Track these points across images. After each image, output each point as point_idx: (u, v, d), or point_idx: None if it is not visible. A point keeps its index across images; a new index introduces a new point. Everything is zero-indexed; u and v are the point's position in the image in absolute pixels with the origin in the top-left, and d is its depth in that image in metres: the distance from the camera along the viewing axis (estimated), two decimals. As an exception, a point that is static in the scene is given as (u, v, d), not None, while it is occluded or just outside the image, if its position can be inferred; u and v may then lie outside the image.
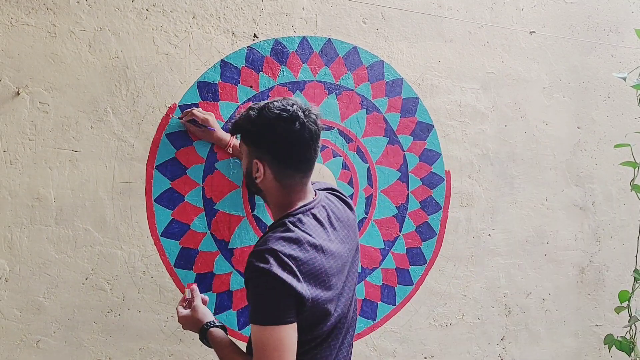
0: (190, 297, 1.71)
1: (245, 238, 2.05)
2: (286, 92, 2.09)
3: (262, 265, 1.29)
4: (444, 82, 2.32)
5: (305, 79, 2.12)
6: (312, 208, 1.47)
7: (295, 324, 1.31)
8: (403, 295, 2.25)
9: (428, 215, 2.28)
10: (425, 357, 2.29)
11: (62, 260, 1.86)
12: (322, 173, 2.14)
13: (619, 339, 2.29)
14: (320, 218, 1.47)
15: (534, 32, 2.47)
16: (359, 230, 2.16)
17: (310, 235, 1.39)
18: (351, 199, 2.16)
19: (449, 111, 2.32)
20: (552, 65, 2.51)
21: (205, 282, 2.00)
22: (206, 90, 2.01)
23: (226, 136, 1.95)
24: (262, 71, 2.07)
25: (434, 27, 2.30)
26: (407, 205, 2.25)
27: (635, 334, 2.32)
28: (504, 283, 2.42)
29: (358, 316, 1.55)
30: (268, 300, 1.29)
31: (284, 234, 1.36)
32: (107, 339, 1.91)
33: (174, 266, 1.97)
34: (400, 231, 2.24)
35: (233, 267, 2.03)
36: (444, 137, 2.31)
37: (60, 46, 1.87)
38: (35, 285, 1.84)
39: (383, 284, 2.22)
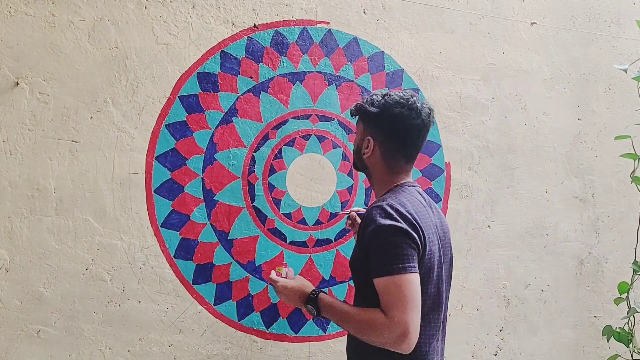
0: (284, 275, 1.72)
1: (244, 229, 2.05)
2: (286, 83, 2.09)
3: (387, 221, 1.42)
4: (444, 73, 2.31)
5: (306, 70, 2.12)
6: (417, 187, 1.62)
7: (418, 275, 1.41)
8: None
9: (428, 206, 2.28)
10: (424, 348, 2.29)
11: (62, 251, 1.87)
12: (322, 164, 2.14)
13: (618, 330, 2.30)
14: (423, 196, 1.61)
15: (535, 23, 2.46)
16: (358, 222, 2.17)
17: (417, 200, 1.54)
18: (351, 190, 2.16)
19: (449, 102, 2.31)
20: (553, 56, 2.50)
21: (205, 272, 2.01)
22: (206, 81, 2.00)
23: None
24: (262, 62, 2.06)
25: (435, 18, 2.29)
26: (407, 196, 2.25)
27: (634, 325, 2.33)
28: (503, 274, 2.42)
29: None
30: (397, 253, 1.40)
31: (397, 196, 1.51)
32: (107, 329, 1.91)
33: (174, 257, 1.98)
34: (399, 222, 2.24)
35: (233, 257, 2.04)
36: (444, 128, 2.31)
37: (59, 36, 1.86)
38: (36, 276, 1.85)
39: (382, 275, 2.22)
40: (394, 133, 1.57)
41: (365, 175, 1.70)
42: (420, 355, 1.49)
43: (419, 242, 1.43)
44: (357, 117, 1.67)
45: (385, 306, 1.38)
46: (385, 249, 1.41)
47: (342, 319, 1.51)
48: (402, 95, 1.57)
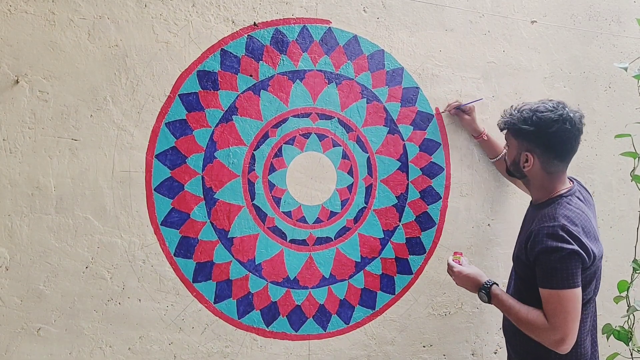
0: (461, 263, 2.01)
1: (244, 227, 2.05)
2: (286, 81, 2.09)
3: (557, 244, 1.61)
4: (444, 72, 2.31)
5: (305, 68, 2.12)
6: (576, 192, 1.78)
7: (580, 289, 1.63)
8: (402, 284, 2.26)
9: (428, 205, 2.29)
10: (424, 346, 2.30)
11: (63, 249, 1.87)
12: (322, 163, 2.14)
13: (617, 328, 2.30)
14: (582, 199, 1.79)
15: (535, 21, 2.46)
16: (358, 220, 2.17)
17: (581, 210, 1.71)
18: (351, 189, 2.16)
19: (449, 101, 2.31)
20: (553, 54, 2.50)
21: (205, 270, 2.01)
22: (206, 79, 2.00)
23: (480, 127, 2.27)
24: (262, 60, 2.06)
25: (435, 16, 2.29)
26: (407, 195, 2.25)
27: (634, 323, 2.33)
28: (503, 272, 2.42)
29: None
30: (564, 269, 1.60)
31: (566, 212, 1.68)
32: (107, 327, 1.92)
33: (174, 255, 1.98)
34: (399, 221, 2.24)
35: (233, 256, 2.04)
36: (445, 126, 2.31)
37: (59, 34, 1.86)
38: (36, 274, 1.85)
39: (382, 273, 2.23)
40: (553, 147, 1.72)
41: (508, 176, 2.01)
42: (581, 350, 1.75)
43: (585, 257, 1.62)
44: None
45: (548, 313, 1.63)
46: (553, 266, 1.61)
47: (508, 311, 1.76)
48: (552, 108, 1.70)
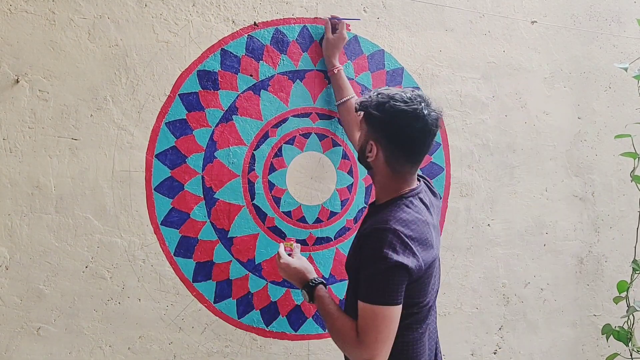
0: (291, 251, 1.81)
1: (244, 227, 2.05)
2: (286, 81, 2.09)
3: (384, 251, 1.40)
4: (444, 72, 2.31)
5: (306, 68, 2.12)
6: (420, 193, 1.59)
7: (400, 306, 1.44)
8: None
9: (428, 205, 2.28)
10: (423, 346, 2.30)
11: (62, 249, 1.87)
12: (322, 162, 2.14)
13: (617, 329, 2.30)
14: (426, 201, 1.60)
15: (536, 21, 2.46)
16: (358, 220, 2.17)
17: (420, 215, 1.52)
18: (351, 189, 2.16)
19: (449, 101, 2.31)
20: (553, 55, 2.50)
21: (204, 270, 2.01)
22: (206, 79, 2.00)
23: (337, 63, 2.06)
24: (262, 60, 2.06)
25: (435, 16, 2.29)
26: (407, 195, 2.25)
27: (633, 324, 2.33)
28: (502, 273, 2.43)
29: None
30: (385, 283, 1.41)
31: (402, 215, 1.48)
32: (107, 327, 1.92)
33: (174, 255, 1.98)
34: (399, 221, 2.24)
35: (233, 255, 2.04)
36: (444, 126, 2.31)
37: (59, 34, 1.86)
38: (36, 273, 1.85)
39: (382, 273, 2.23)
40: (399, 142, 1.52)
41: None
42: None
43: (413, 269, 1.43)
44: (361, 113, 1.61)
45: (360, 328, 1.44)
46: (374, 277, 1.43)
47: (325, 316, 1.57)
48: (407, 99, 1.50)
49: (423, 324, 1.56)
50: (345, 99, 2.04)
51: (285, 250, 1.83)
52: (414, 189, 1.57)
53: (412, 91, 1.55)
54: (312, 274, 1.69)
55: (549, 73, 2.50)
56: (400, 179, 1.57)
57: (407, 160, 1.55)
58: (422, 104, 1.50)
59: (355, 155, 2.10)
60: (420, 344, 1.56)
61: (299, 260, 1.77)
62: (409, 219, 1.48)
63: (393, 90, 1.55)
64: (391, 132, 1.52)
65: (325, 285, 1.66)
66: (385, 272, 1.41)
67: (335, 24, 2.08)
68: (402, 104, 1.49)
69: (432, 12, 2.29)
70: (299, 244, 1.89)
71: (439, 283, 1.66)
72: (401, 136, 1.51)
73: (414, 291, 1.49)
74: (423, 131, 1.51)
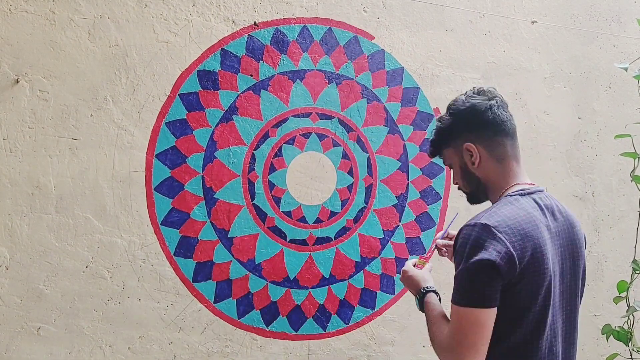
0: (421, 268, 1.71)
1: (244, 227, 2.05)
2: (286, 81, 2.09)
3: (470, 249, 1.32)
4: (444, 72, 2.31)
5: (306, 68, 2.12)
6: (532, 193, 1.46)
7: (495, 309, 1.32)
8: (402, 284, 2.25)
9: (428, 205, 2.29)
10: (423, 346, 2.30)
11: (63, 249, 1.87)
12: (322, 162, 2.14)
13: (617, 329, 2.30)
14: (540, 203, 1.46)
15: (536, 21, 2.46)
16: (358, 220, 2.17)
17: (525, 210, 1.39)
18: (351, 189, 2.16)
19: (449, 101, 2.31)
20: (554, 55, 2.50)
21: (205, 270, 2.01)
22: (206, 79, 2.00)
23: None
24: (262, 60, 2.06)
25: (435, 16, 2.29)
26: (407, 195, 2.25)
27: (633, 324, 2.32)
28: (502, 273, 2.42)
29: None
30: (470, 282, 1.32)
31: (499, 210, 1.38)
32: (107, 327, 1.92)
33: (174, 255, 1.98)
34: (399, 221, 2.24)
35: (233, 255, 2.04)
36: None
37: (59, 34, 1.86)
38: (36, 273, 1.85)
39: (382, 273, 2.23)
40: (484, 121, 1.47)
41: (477, 198, 1.62)
42: None
43: (503, 265, 1.30)
44: (438, 152, 1.59)
45: (448, 332, 1.36)
46: (462, 278, 1.34)
47: (427, 322, 1.50)
48: (466, 93, 1.52)
49: (533, 336, 1.38)
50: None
51: (415, 266, 1.73)
52: (523, 189, 1.47)
53: (459, 97, 1.55)
54: (427, 283, 1.61)
55: (549, 73, 2.49)
56: (506, 167, 1.50)
57: (499, 132, 1.48)
58: (480, 88, 1.52)
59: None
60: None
61: (420, 271, 1.67)
62: (505, 213, 1.37)
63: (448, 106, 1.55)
64: (474, 120, 1.48)
65: (437, 293, 1.58)
66: (471, 271, 1.32)
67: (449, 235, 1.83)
68: (465, 97, 1.51)
69: (433, 12, 2.29)
70: (432, 265, 1.74)
71: (570, 297, 1.48)
72: (479, 116, 1.47)
73: (514, 293, 1.35)
74: (497, 107, 1.47)
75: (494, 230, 1.32)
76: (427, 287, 1.59)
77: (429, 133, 2.28)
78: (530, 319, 1.37)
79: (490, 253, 1.30)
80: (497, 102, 1.49)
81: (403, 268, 1.69)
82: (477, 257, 1.30)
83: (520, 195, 1.45)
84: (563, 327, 1.46)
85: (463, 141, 1.51)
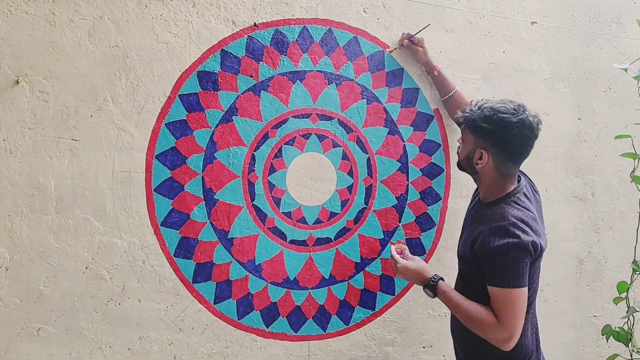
0: (402, 252, 2.00)
1: (244, 228, 2.05)
2: (286, 82, 2.09)
3: (509, 242, 1.63)
4: (444, 73, 2.30)
5: (306, 69, 2.12)
6: (523, 189, 1.80)
7: (527, 288, 1.67)
8: (402, 285, 2.26)
9: (428, 205, 2.29)
10: (424, 347, 2.30)
11: (62, 249, 1.87)
12: (322, 163, 2.14)
13: (617, 329, 2.30)
14: (529, 195, 1.81)
15: (536, 22, 2.46)
16: (358, 221, 2.17)
17: (528, 209, 1.74)
18: (351, 189, 2.16)
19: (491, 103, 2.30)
20: (553, 55, 2.50)
21: (204, 271, 2.01)
22: (206, 80, 2.00)
23: (433, 62, 2.22)
24: (262, 61, 2.06)
25: (435, 17, 2.29)
26: (407, 195, 2.25)
27: (633, 324, 2.33)
28: (503, 274, 2.42)
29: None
30: (515, 268, 1.63)
31: (515, 212, 1.70)
32: (107, 328, 1.92)
33: (174, 255, 1.98)
34: (399, 222, 2.24)
35: (232, 256, 2.04)
36: (445, 127, 2.31)
37: (59, 35, 1.86)
38: (36, 274, 1.85)
39: (382, 274, 2.23)
40: (509, 149, 1.72)
41: (465, 172, 1.90)
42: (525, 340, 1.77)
43: (534, 252, 1.66)
44: (462, 125, 1.81)
45: (498, 311, 1.65)
46: (505, 265, 1.63)
47: (456, 308, 1.76)
48: (513, 111, 1.70)
49: (532, 305, 1.78)
50: (451, 93, 2.21)
51: (396, 251, 2.00)
52: (517, 187, 1.78)
53: (511, 102, 1.75)
54: (430, 272, 1.88)
55: (549, 74, 2.49)
56: (506, 179, 1.78)
57: (514, 163, 1.76)
58: (526, 113, 1.71)
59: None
60: (526, 323, 1.74)
61: (414, 262, 1.95)
62: (521, 215, 1.69)
63: (493, 102, 1.74)
64: (502, 140, 1.71)
65: (443, 279, 1.85)
66: (513, 259, 1.62)
67: (415, 41, 2.20)
68: (510, 116, 1.69)
69: (432, 12, 2.29)
70: (407, 245, 2.05)
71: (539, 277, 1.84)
72: (511, 144, 1.71)
73: (530, 274, 1.69)
74: (530, 137, 1.72)
75: (520, 224, 1.65)
76: (434, 277, 1.85)
77: (429, 134, 2.28)
78: (534, 293, 1.78)
79: (526, 239, 1.63)
80: (531, 134, 1.72)
81: (399, 265, 1.93)
82: (519, 246, 1.62)
83: (519, 193, 1.77)
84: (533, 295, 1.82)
85: (482, 143, 1.75)
